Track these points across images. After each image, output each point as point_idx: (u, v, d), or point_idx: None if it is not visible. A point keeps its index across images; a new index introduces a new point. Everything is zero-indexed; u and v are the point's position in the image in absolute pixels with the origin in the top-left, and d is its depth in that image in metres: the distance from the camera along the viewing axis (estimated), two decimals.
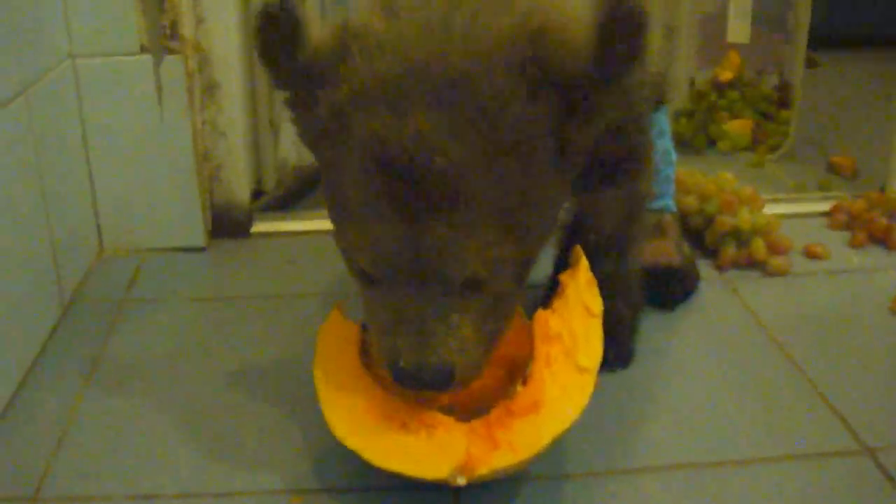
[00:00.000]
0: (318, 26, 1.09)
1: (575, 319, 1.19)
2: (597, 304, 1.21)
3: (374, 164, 1.02)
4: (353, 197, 1.06)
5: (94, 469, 1.26)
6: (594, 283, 1.23)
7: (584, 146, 1.11)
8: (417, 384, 1.09)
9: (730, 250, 1.77)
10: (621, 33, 1.00)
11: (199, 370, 1.48)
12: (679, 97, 2.53)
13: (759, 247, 1.75)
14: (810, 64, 2.54)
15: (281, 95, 1.16)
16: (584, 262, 1.24)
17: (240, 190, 1.92)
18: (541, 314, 1.19)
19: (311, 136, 1.13)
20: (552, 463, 1.24)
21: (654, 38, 1.32)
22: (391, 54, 1.03)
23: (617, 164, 1.33)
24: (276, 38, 1.07)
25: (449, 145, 1.00)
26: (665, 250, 1.66)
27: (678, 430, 1.32)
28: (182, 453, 1.29)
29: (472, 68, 1.01)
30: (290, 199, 2.11)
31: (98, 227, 1.86)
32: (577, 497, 1.19)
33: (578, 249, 1.25)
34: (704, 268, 1.75)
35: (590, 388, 1.15)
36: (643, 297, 1.55)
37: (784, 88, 2.53)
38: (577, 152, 1.10)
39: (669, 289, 1.64)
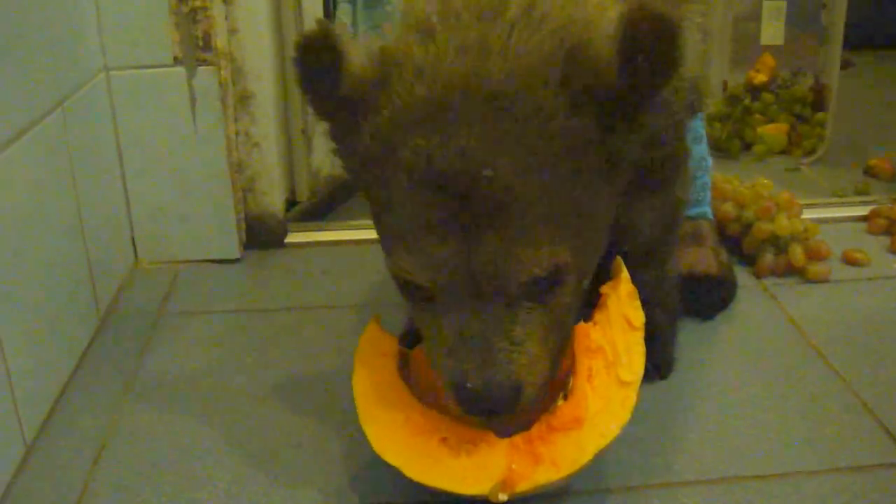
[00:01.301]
0: (357, 52, 1.08)
1: (616, 332, 1.18)
2: (638, 317, 1.20)
3: (421, 181, 1.02)
4: (403, 217, 1.05)
5: (132, 484, 1.25)
6: (635, 294, 1.21)
7: (631, 155, 1.10)
8: (485, 404, 1.07)
9: (768, 257, 1.75)
10: (647, 47, 0.99)
11: (235, 383, 1.48)
12: (713, 101, 2.51)
13: (797, 253, 1.74)
14: (844, 65, 2.51)
15: (318, 120, 1.15)
16: (624, 274, 1.22)
17: (274, 200, 1.92)
18: (582, 327, 1.18)
19: (356, 164, 1.13)
20: (593, 477, 1.23)
21: (692, 42, 1.30)
22: (430, 77, 1.03)
23: (653, 170, 1.32)
24: (317, 70, 1.08)
25: (494, 158, 0.99)
26: (702, 258, 1.65)
27: (719, 443, 1.30)
28: (220, 468, 1.28)
29: (512, 84, 1.01)
30: (324, 208, 2.10)
31: (133, 239, 1.86)
32: None
33: (619, 261, 1.24)
34: (742, 275, 1.73)
35: (632, 402, 1.14)
36: (681, 306, 1.53)
37: (819, 90, 2.50)
38: (623, 161, 1.10)
39: (707, 297, 1.62)
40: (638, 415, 1.17)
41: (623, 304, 1.20)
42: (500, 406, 1.07)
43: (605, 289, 1.22)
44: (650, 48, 0.99)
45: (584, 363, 1.15)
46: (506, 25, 1.04)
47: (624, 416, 1.13)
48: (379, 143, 1.06)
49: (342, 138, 1.14)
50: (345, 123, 1.11)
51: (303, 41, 1.08)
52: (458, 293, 1.05)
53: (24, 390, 1.31)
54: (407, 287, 1.10)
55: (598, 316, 1.20)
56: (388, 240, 1.11)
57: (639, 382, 1.15)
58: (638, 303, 1.21)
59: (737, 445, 1.30)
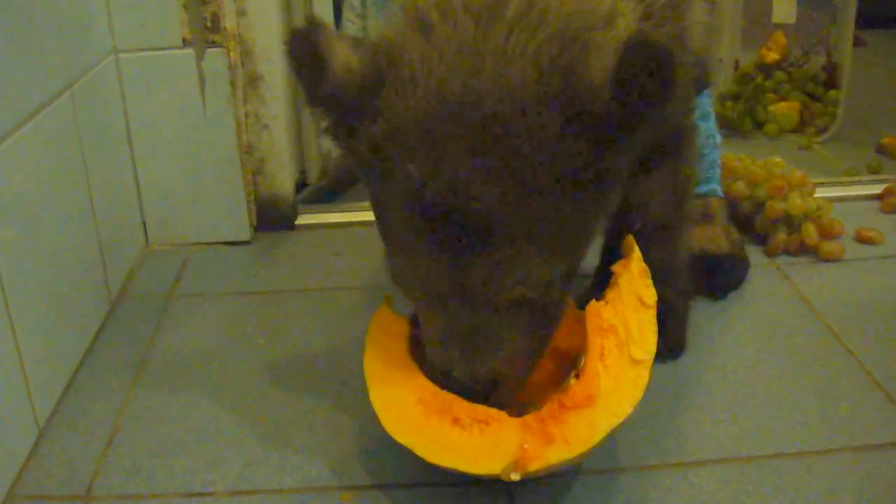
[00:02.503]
0: (344, 50, 1.08)
1: (628, 311, 1.17)
2: (650, 295, 1.19)
3: (413, 206, 1.04)
4: (398, 231, 1.09)
5: (144, 467, 1.26)
6: (647, 273, 1.21)
7: (623, 170, 1.10)
8: (467, 392, 1.12)
9: (780, 236, 1.74)
10: (643, 79, 0.98)
11: (247, 365, 1.47)
12: (724, 80, 2.50)
13: (810, 232, 1.73)
14: (856, 43, 2.49)
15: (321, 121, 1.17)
16: (636, 252, 1.22)
17: (284, 182, 1.92)
18: (594, 306, 1.17)
19: (356, 164, 1.14)
20: (605, 457, 1.22)
21: (697, 13, 1.29)
22: (424, 90, 1.03)
23: (661, 148, 1.31)
24: (303, 65, 1.09)
25: (485, 188, 1.00)
26: (713, 237, 1.64)
27: (732, 422, 1.30)
28: (232, 450, 1.28)
29: (505, 108, 1.00)
30: (335, 190, 2.10)
31: (143, 221, 1.86)
32: (631, 492, 1.18)
33: (630, 239, 1.24)
34: (754, 254, 1.72)
35: (644, 381, 1.14)
36: (692, 285, 1.52)
37: (831, 69, 2.49)
38: (616, 177, 1.09)
39: (719, 276, 1.62)
40: (650, 394, 1.17)
41: (635, 283, 1.19)
42: (480, 394, 1.12)
43: (616, 267, 1.22)
44: (645, 80, 0.98)
45: (596, 342, 1.15)
46: (503, 28, 1.03)
47: (636, 394, 1.13)
48: (374, 154, 1.07)
49: (340, 138, 1.14)
50: (341, 124, 1.11)
51: (286, 40, 1.10)
52: (448, 303, 1.09)
53: (36, 374, 1.31)
54: (402, 287, 1.14)
55: (610, 295, 1.19)
56: (384, 236, 1.14)
57: (651, 361, 1.15)
58: (650, 281, 1.20)
59: (750, 425, 1.29)
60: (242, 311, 1.65)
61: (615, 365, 1.14)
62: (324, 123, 1.15)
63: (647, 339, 1.16)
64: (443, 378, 1.14)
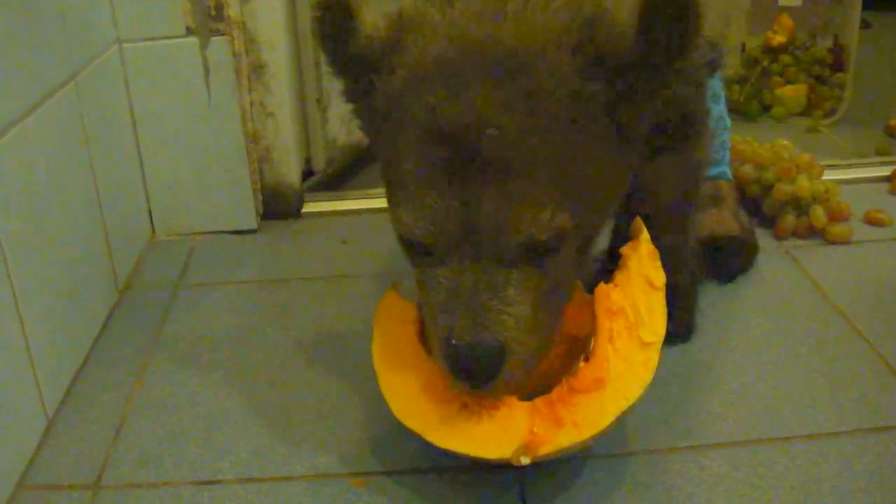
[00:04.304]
0: (370, 13, 1.10)
1: (637, 293, 1.17)
2: (659, 277, 1.18)
3: (428, 135, 1.03)
4: (409, 171, 1.06)
5: (154, 456, 1.26)
6: (656, 255, 1.20)
7: (641, 125, 1.10)
8: (469, 362, 1.05)
9: (789, 219, 1.73)
10: (667, 21, 1.00)
11: (255, 354, 1.47)
12: (731, 63, 2.49)
13: (818, 214, 1.72)
14: (863, 25, 2.48)
15: (330, 78, 1.18)
16: (645, 234, 1.21)
17: (290, 170, 1.91)
18: (602, 288, 1.17)
19: (371, 122, 1.15)
20: (616, 441, 1.22)
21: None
22: (445, 38, 1.05)
23: (673, 131, 1.31)
24: (331, 28, 1.10)
25: (502, 117, 1.00)
26: (723, 220, 1.63)
27: (743, 405, 1.29)
28: (241, 438, 1.28)
29: (526, 48, 1.02)
30: (341, 177, 2.09)
31: (149, 211, 1.86)
32: (642, 475, 1.18)
33: (639, 221, 1.23)
34: (763, 237, 1.72)
35: (653, 364, 1.13)
36: (702, 268, 1.52)
37: (838, 51, 2.48)
38: (633, 130, 1.10)
39: (728, 259, 1.61)
40: (660, 378, 1.17)
41: (644, 265, 1.19)
42: (483, 365, 1.06)
43: (625, 250, 1.21)
44: (670, 22, 1.00)
45: (605, 325, 1.14)
46: None
47: (646, 377, 1.12)
48: (391, 102, 1.08)
49: (358, 97, 1.16)
50: (360, 82, 1.13)
51: (317, 2, 1.11)
52: (455, 250, 1.05)
53: (45, 364, 1.31)
54: (408, 243, 1.10)
55: (618, 277, 1.19)
56: (393, 194, 1.12)
57: (661, 343, 1.14)
58: (659, 263, 1.19)
59: (760, 407, 1.29)
60: (250, 299, 1.64)
61: (624, 347, 1.13)
62: (343, 84, 1.16)
63: (656, 321, 1.16)
64: (445, 352, 1.08)
